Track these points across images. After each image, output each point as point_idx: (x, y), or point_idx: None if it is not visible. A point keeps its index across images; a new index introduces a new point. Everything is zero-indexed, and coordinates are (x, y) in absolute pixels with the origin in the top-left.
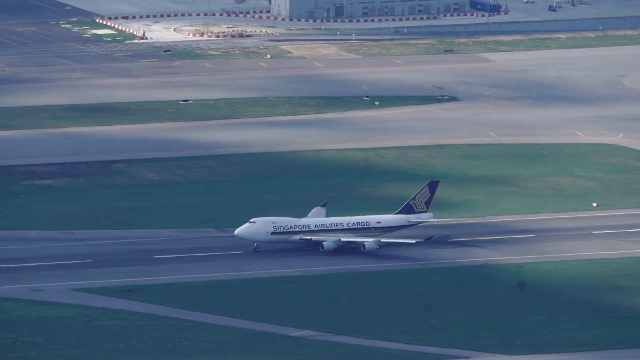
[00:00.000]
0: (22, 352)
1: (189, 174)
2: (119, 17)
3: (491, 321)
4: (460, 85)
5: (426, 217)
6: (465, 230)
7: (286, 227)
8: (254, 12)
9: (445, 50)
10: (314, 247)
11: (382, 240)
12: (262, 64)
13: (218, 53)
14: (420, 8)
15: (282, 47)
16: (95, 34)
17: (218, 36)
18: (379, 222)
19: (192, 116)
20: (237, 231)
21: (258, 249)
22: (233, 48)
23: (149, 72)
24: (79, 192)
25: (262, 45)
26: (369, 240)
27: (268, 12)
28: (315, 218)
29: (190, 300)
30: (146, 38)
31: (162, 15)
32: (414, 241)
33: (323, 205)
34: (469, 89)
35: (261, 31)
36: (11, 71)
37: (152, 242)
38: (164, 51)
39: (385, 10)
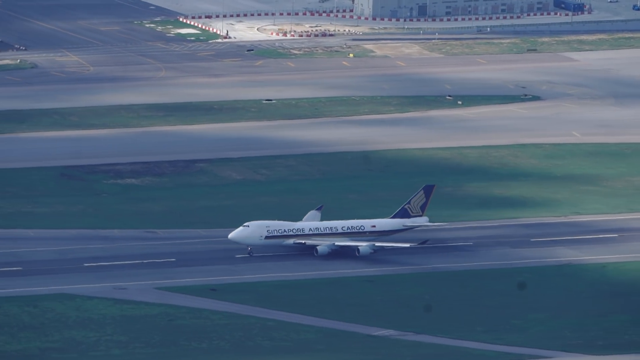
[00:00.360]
0: (105, 350)
1: (271, 173)
2: (203, 16)
3: (574, 321)
4: (543, 85)
5: (422, 221)
6: (547, 230)
7: (280, 231)
8: (337, 11)
9: (528, 50)
10: (308, 252)
11: (377, 244)
12: (345, 63)
13: (301, 52)
14: (503, 7)
15: (365, 46)
16: (179, 34)
17: (301, 35)
18: (374, 226)
19: (274, 115)
20: (230, 235)
21: (252, 253)
22: (316, 47)
23: (232, 71)
24: (162, 191)
25: (345, 44)
26: (363, 245)
27: (351, 11)
28: (310, 222)
29: (272, 299)
30: (229, 37)
31: (245, 15)
32: (408, 245)
33: (318, 209)
34: (552, 88)
35: (344, 30)
36: (95, 70)
37: (234, 241)
38: (247, 50)
39: (469, 9)
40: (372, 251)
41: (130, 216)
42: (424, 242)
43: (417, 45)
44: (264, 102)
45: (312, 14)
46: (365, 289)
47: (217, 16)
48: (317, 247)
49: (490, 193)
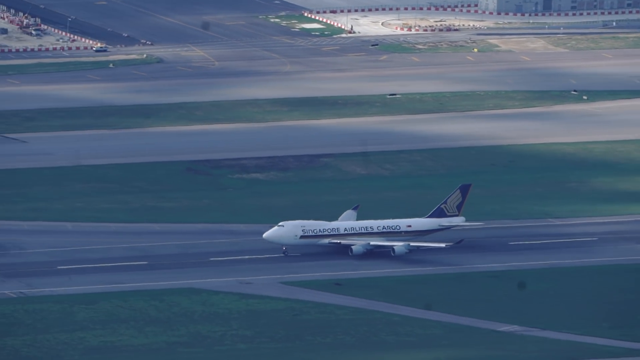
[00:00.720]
0: (231, 345)
1: (396, 168)
2: (327, 11)
3: None
4: None
5: (458, 221)
6: None
7: (315, 231)
8: (462, 5)
9: None
10: (344, 251)
11: (412, 244)
12: (469, 57)
13: (425, 47)
14: (629, 1)
15: (490, 40)
16: (304, 28)
17: (426, 30)
18: (410, 226)
19: (399, 110)
20: (265, 234)
21: (287, 253)
22: (440, 42)
23: (357, 66)
24: (286, 186)
25: (470, 39)
26: (398, 244)
27: (476, 5)
28: (345, 221)
29: (397, 294)
30: (354, 32)
31: (370, 10)
32: (443, 245)
33: (354, 209)
34: None
35: (469, 25)
36: (220, 65)
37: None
38: (372, 45)
39: (594, 3)
40: (408, 251)
41: (255, 211)
42: (460, 241)
43: (542, 39)
44: (389, 96)
45: (437, 9)
46: (489, 285)
47: (342, 11)
48: (352, 247)
49: (616, 188)
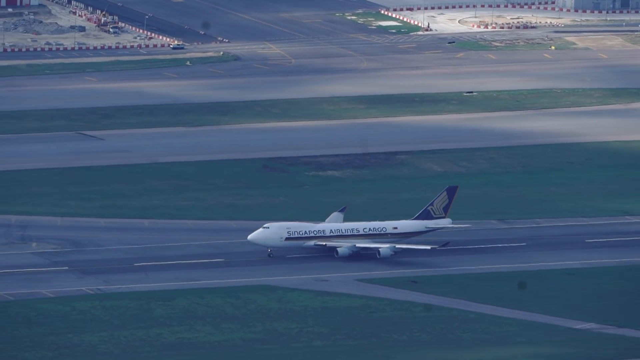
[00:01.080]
0: (307, 342)
1: (472, 165)
2: (404, 8)
3: None
4: None
5: (444, 223)
6: None
7: (301, 233)
8: (539, 3)
9: None
10: (329, 253)
11: (398, 246)
12: (546, 55)
13: (502, 44)
14: None
15: (567, 38)
16: (380, 26)
17: (502, 27)
18: (396, 228)
19: (475, 107)
20: (250, 236)
21: (272, 255)
22: (517, 39)
23: (433, 63)
24: (362, 184)
25: (547, 36)
26: (384, 246)
27: (553, 3)
28: (331, 223)
29: (473, 292)
30: (431, 30)
31: (446, 7)
32: (429, 247)
33: (341, 211)
34: None
35: (546, 22)
36: (297, 62)
37: (434, 233)
38: (449, 42)
39: None
40: (393, 253)
41: (331, 208)
42: (446, 244)
43: (620, 37)
44: (465, 94)
45: (514, 6)
46: (566, 282)
47: (419, 8)
48: (338, 249)
49: None
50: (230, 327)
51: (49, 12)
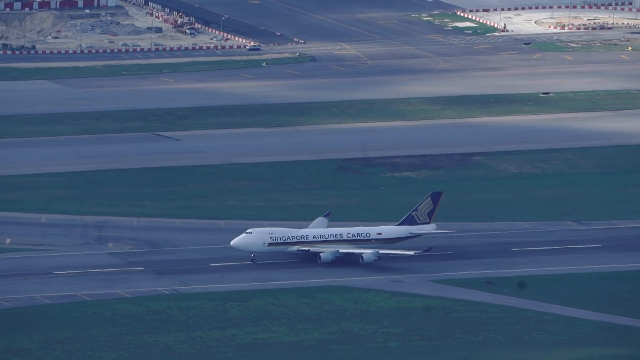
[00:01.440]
0: (382, 342)
1: (548, 167)
2: (480, 9)
3: None
4: None
5: (429, 229)
6: None
7: (283, 238)
8: (616, 3)
9: None
10: (312, 259)
11: (381, 252)
12: (623, 56)
13: (578, 45)
14: None
15: None
16: (456, 27)
17: (579, 28)
18: (380, 234)
19: (551, 108)
20: (233, 242)
21: (255, 260)
22: (594, 40)
23: (509, 64)
24: (438, 185)
25: (624, 37)
26: (367, 252)
27: (630, 3)
28: (315, 229)
29: (549, 293)
30: (507, 30)
31: (523, 8)
32: (412, 253)
33: (325, 216)
34: None
35: (622, 23)
36: (373, 64)
37: (510, 234)
38: (525, 44)
39: None
40: (377, 258)
41: (407, 209)
42: (429, 249)
43: None
44: (542, 95)
45: (590, 7)
46: None
47: (495, 9)
48: (321, 254)
49: None
50: (305, 327)
51: (126, 14)
